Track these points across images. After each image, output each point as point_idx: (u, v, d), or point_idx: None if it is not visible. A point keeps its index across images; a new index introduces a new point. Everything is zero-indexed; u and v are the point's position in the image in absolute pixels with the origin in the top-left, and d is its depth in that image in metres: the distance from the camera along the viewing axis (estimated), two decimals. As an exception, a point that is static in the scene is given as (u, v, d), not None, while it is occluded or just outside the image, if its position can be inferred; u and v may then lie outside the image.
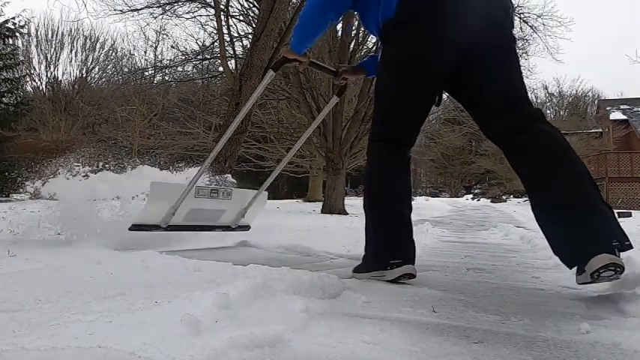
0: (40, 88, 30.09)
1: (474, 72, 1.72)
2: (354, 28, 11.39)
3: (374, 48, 11.49)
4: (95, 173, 3.23)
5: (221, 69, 10.99)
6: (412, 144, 1.94)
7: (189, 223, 2.74)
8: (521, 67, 1.79)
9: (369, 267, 1.85)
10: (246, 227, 3.18)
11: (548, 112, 34.80)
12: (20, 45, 22.81)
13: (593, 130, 24.90)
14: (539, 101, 33.55)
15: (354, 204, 12.41)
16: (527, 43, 12.43)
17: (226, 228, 3.03)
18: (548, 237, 1.61)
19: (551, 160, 1.59)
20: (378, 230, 1.86)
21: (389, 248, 1.81)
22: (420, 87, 1.79)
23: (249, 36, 10.57)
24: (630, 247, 1.49)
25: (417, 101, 1.83)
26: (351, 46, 11.26)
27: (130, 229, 2.47)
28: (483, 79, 1.72)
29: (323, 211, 10.54)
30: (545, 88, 34.27)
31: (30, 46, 28.92)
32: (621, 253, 1.49)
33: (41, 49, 29.97)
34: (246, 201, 3.04)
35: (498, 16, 1.72)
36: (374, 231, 1.88)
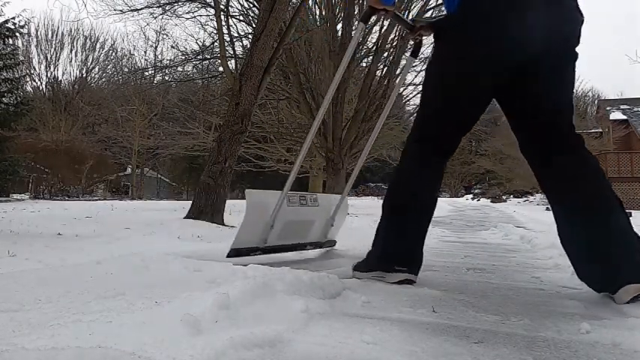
0: (40, 88, 30.11)
1: (528, 85, 1.65)
2: (353, 28, 11.38)
3: (374, 48, 11.50)
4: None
5: (221, 69, 10.98)
6: (452, 153, 1.86)
7: (284, 242, 2.37)
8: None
9: (371, 266, 1.82)
10: (333, 242, 2.81)
11: (548, 112, 34.73)
12: (20, 45, 22.84)
13: (593, 130, 24.89)
14: (539, 101, 33.46)
15: (354, 204, 12.42)
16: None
17: (316, 245, 2.64)
18: (575, 261, 1.61)
19: (585, 190, 1.57)
20: (390, 234, 1.82)
21: (397, 255, 1.78)
22: (472, 91, 1.72)
23: (249, 36, 10.57)
24: None
25: (466, 105, 1.75)
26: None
27: (228, 255, 2.12)
28: (536, 95, 1.65)
29: (323, 211, 10.53)
30: (546, 88, 34.14)
31: (30, 46, 28.94)
32: None
33: (41, 49, 29.99)
34: (331, 207, 2.66)
35: (565, 30, 1.62)
36: (386, 233, 1.83)
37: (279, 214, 2.20)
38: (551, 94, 1.65)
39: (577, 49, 1.66)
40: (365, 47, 12.13)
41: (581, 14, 1.65)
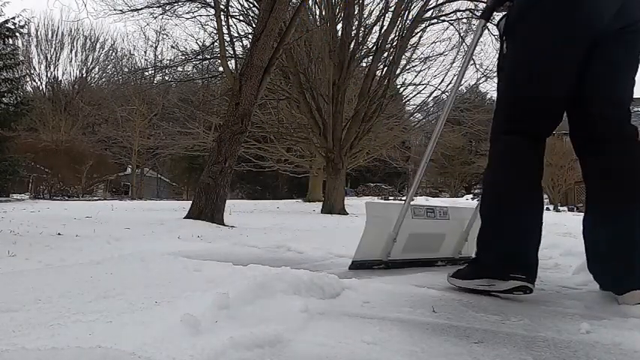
0: (40, 88, 30.13)
1: (601, 60, 1.53)
2: (353, 28, 11.39)
3: (374, 48, 11.50)
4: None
5: (221, 69, 10.98)
6: (549, 134, 1.67)
7: (410, 257, 2.22)
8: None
9: (478, 273, 1.61)
10: (469, 259, 2.31)
11: (548, 112, 34.76)
12: (20, 45, 22.84)
13: (593, 130, 24.87)
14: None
15: (354, 204, 12.41)
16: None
17: (450, 260, 2.40)
18: (590, 254, 1.56)
19: (627, 186, 1.49)
20: (504, 236, 1.60)
21: (511, 260, 1.56)
22: (568, 59, 1.56)
23: (249, 36, 10.57)
24: None
25: (563, 76, 1.58)
26: (351, 46, 11.26)
27: (350, 267, 2.10)
28: (594, 76, 1.55)
29: (323, 211, 10.54)
30: (546, 88, 34.17)
31: (30, 46, 28.96)
32: None
33: (41, 49, 30.00)
34: (465, 220, 2.42)
35: (632, 7, 1.51)
36: (498, 236, 1.62)
37: (404, 227, 2.09)
38: (619, 73, 1.55)
39: None
40: (365, 47, 12.13)
41: None
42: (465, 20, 11.85)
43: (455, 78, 2.12)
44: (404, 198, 2.62)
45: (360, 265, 2.10)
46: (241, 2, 11.37)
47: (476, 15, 11.90)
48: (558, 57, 1.56)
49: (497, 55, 1.83)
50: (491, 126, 1.73)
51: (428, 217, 2.27)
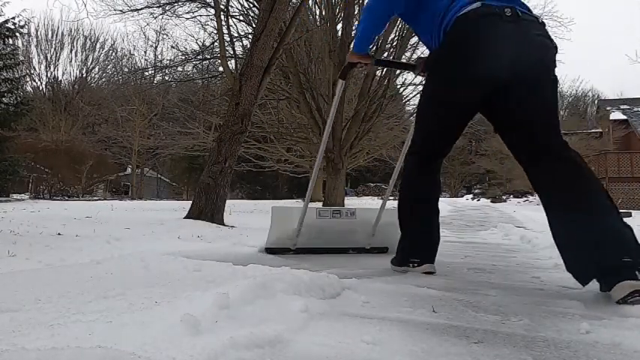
0: (40, 88, 30.13)
1: (506, 105, 1.83)
2: (353, 28, 11.38)
3: (374, 48, 11.49)
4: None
5: (221, 69, 10.98)
6: (438, 158, 2.16)
7: (318, 246, 2.83)
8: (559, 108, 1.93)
9: (400, 262, 2.16)
10: (384, 249, 2.95)
11: (548, 112, 34.75)
12: (20, 45, 22.84)
13: (593, 130, 24.91)
14: (539, 101, 33.50)
15: (354, 204, 12.41)
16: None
17: (360, 249, 2.94)
18: (566, 258, 1.66)
19: (574, 190, 1.67)
20: (406, 231, 2.17)
21: (412, 249, 2.13)
22: (446, 115, 1.99)
23: (249, 36, 10.57)
24: None
25: (443, 126, 2.05)
26: (351, 46, 11.27)
27: (265, 252, 2.74)
28: (514, 112, 1.83)
29: (323, 211, 10.52)
30: (546, 88, 34.17)
31: (30, 46, 28.96)
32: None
33: (41, 49, 30.00)
34: (371, 220, 2.92)
35: (536, 56, 1.79)
36: (403, 231, 2.19)
37: (312, 225, 2.75)
38: (529, 110, 1.81)
39: (555, 71, 1.85)
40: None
41: (552, 41, 1.84)
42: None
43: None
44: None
45: (271, 251, 2.73)
46: (241, 2, 11.37)
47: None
48: (449, 109, 1.96)
49: None
50: (409, 145, 2.22)
51: (333, 217, 2.91)
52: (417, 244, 2.14)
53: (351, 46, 2.28)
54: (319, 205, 10.98)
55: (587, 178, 1.69)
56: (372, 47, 11.65)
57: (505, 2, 1.79)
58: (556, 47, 1.85)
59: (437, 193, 2.21)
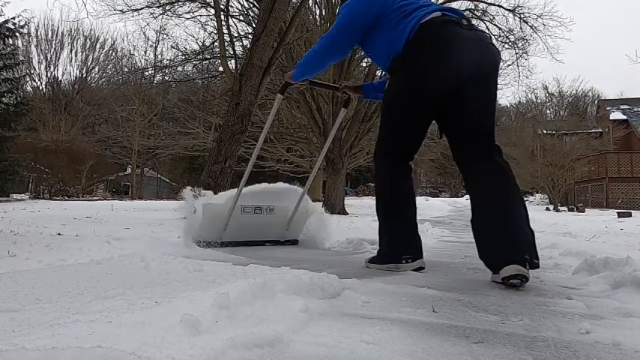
0: (40, 88, 30.13)
1: (459, 105, 2.00)
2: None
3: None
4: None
5: (221, 69, 10.98)
6: (412, 158, 2.24)
7: (241, 239, 3.04)
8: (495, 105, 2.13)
9: (384, 259, 2.18)
10: (295, 241, 3.31)
11: (548, 112, 34.82)
12: (20, 45, 22.80)
13: (593, 130, 24.88)
14: (539, 101, 33.58)
15: (354, 204, 12.42)
16: (527, 43, 12.43)
17: (275, 242, 3.23)
18: (479, 244, 1.94)
19: (497, 189, 1.92)
20: (389, 229, 2.20)
21: (400, 245, 2.16)
22: (417, 114, 2.10)
23: (249, 36, 10.57)
24: (537, 266, 1.81)
25: (415, 125, 2.14)
26: (291, 73, 11.25)
27: (186, 246, 2.84)
28: (464, 112, 2.01)
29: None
30: (545, 88, 34.28)
31: (30, 46, 28.97)
32: (613, 255, 1.86)
33: (41, 49, 30.02)
34: (287, 216, 3.23)
35: (486, 62, 2.00)
36: (386, 229, 2.22)
37: (235, 220, 2.96)
38: (480, 111, 2.00)
39: (497, 78, 2.09)
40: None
41: (498, 52, 2.08)
42: (464, 20, 11.82)
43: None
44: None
45: (198, 244, 2.87)
46: (241, 2, 11.37)
47: (476, 15, 11.90)
48: (410, 112, 2.09)
49: None
50: (375, 145, 2.28)
51: (255, 213, 3.11)
52: (404, 240, 2.17)
53: (291, 73, 2.49)
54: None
55: (509, 185, 1.92)
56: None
57: (460, 16, 2.03)
58: (500, 54, 2.11)
59: (412, 189, 2.28)
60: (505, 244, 1.81)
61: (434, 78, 1.97)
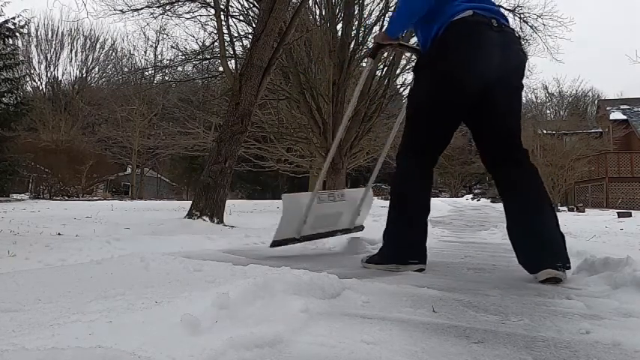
0: (40, 88, 30.14)
1: (486, 108, 2.01)
2: (353, 28, 11.39)
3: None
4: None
5: (221, 69, 10.98)
6: (435, 162, 2.21)
7: (317, 232, 2.85)
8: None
9: (385, 259, 2.14)
10: (361, 227, 3.23)
11: (548, 112, 34.81)
12: (20, 45, 22.79)
13: (593, 130, 24.88)
14: (539, 101, 33.57)
15: (354, 204, 12.38)
16: (527, 43, 12.41)
17: (346, 231, 3.11)
18: (516, 249, 2.02)
19: (531, 195, 1.99)
20: (400, 232, 2.16)
21: (409, 248, 2.12)
22: (441, 115, 2.07)
23: (249, 36, 10.56)
24: (569, 267, 1.93)
25: (438, 127, 2.12)
26: (351, 46, 11.26)
27: (270, 246, 2.68)
28: (491, 116, 2.03)
29: (323, 211, 10.51)
30: (545, 88, 34.30)
31: (30, 46, 28.98)
32: (613, 255, 1.97)
33: (41, 49, 30.02)
34: (357, 199, 3.11)
35: (513, 65, 2.02)
36: (396, 231, 2.17)
37: (311, 211, 2.69)
38: (505, 116, 2.03)
39: (523, 81, 2.10)
40: (365, 47, 12.12)
41: (525, 55, 2.09)
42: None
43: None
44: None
45: (278, 244, 2.67)
46: (241, 2, 11.35)
47: (476, 15, 11.90)
48: (437, 113, 2.06)
49: None
50: (399, 145, 2.23)
51: (329, 200, 2.88)
52: (413, 244, 2.14)
53: (384, 29, 2.38)
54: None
55: (539, 190, 1.99)
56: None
57: (491, 13, 1.98)
58: (527, 59, 2.12)
59: (429, 196, 2.26)
60: (540, 249, 1.91)
61: (458, 80, 1.96)
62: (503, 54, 1.95)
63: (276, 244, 2.67)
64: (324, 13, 11.88)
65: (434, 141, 2.16)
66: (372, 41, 2.38)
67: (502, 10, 2.07)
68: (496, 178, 2.09)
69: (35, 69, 29.60)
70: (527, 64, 2.10)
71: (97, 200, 17.00)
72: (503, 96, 1.99)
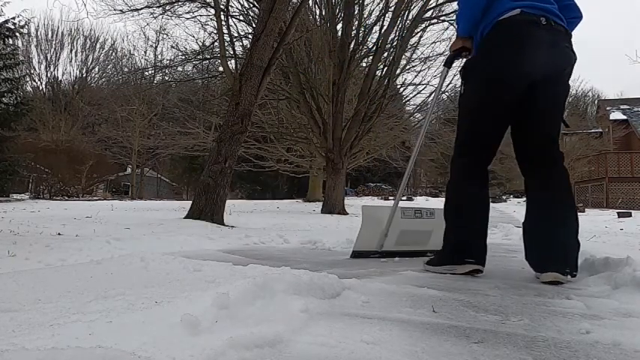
0: (40, 88, 30.13)
1: (529, 106, 2.03)
2: (353, 28, 11.39)
3: (374, 48, 11.50)
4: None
5: (221, 69, 10.98)
6: (489, 161, 2.21)
7: (401, 248, 2.71)
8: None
9: (441, 261, 2.15)
10: None
11: (548, 112, 34.77)
12: (20, 45, 22.77)
13: (593, 130, 24.89)
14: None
15: (354, 204, 12.41)
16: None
17: (436, 252, 2.84)
18: (526, 246, 2.05)
19: (560, 195, 2.00)
20: (457, 230, 2.14)
21: (465, 247, 2.09)
22: (495, 112, 2.08)
23: (249, 36, 10.56)
24: (575, 276, 1.91)
25: (489, 126, 2.12)
26: (351, 46, 11.26)
27: (351, 256, 2.65)
28: (535, 115, 2.05)
29: (323, 211, 10.53)
30: (545, 88, 34.20)
31: (30, 46, 28.96)
32: (613, 255, 1.98)
33: (41, 49, 30.01)
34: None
35: (561, 65, 2.02)
36: (453, 229, 2.15)
37: (394, 225, 2.62)
38: (546, 115, 2.05)
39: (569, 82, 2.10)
40: (365, 47, 12.12)
41: (575, 54, 2.05)
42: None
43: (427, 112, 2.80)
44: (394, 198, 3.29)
45: (359, 255, 2.62)
46: (241, 2, 11.36)
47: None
48: (487, 111, 2.08)
49: None
50: (454, 147, 2.25)
51: (415, 217, 2.78)
52: (470, 244, 2.10)
53: (455, 33, 2.36)
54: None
55: (567, 196, 2.02)
56: (373, 47, 11.66)
57: (541, 12, 1.97)
58: (576, 58, 2.07)
59: (488, 197, 2.24)
60: (552, 252, 1.93)
61: (502, 81, 1.99)
62: (550, 53, 1.95)
63: (356, 254, 2.63)
64: (324, 13, 11.88)
65: (486, 140, 2.15)
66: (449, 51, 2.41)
67: (555, 7, 2.03)
68: (526, 178, 2.10)
69: (35, 69, 29.62)
70: (573, 65, 2.06)
71: (97, 200, 17.00)
72: (547, 96, 2.00)
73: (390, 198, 23.55)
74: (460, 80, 2.23)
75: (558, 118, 2.08)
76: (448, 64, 2.45)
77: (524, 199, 2.15)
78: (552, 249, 1.93)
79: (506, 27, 1.97)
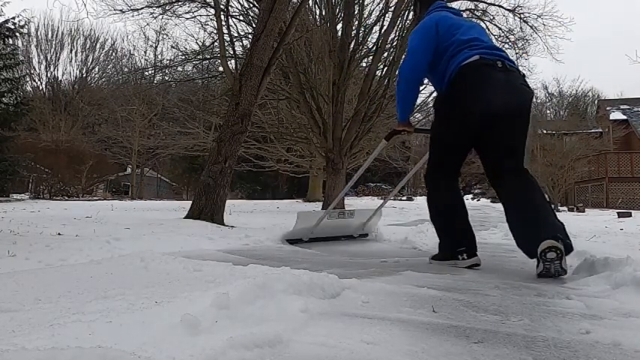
0: (40, 88, 30.13)
1: (493, 133, 2.32)
2: (353, 28, 11.39)
3: (374, 48, 11.49)
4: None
5: (221, 69, 10.97)
6: (457, 174, 2.60)
7: (323, 236, 3.56)
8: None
9: (446, 257, 2.47)
10: (365, 235, 3.86)
11: (548, 112, 34.81)
12: (20, 45, 22.76)
13: (593, 130, 24.86)
14: (539, 101, 33.56)
15: (354, 204, 12.40)
16: (527, 43, 12.41)
17: (349, 237, 3.78)
18: (515, 235, 2.25)
19: (528, 195, 2.23)
20: (448, 231, 2.51)
21: (455, 242, 2.45)
22: (458, 141, 2.45)
23: (249, 36, 10.56)
24: (570, 246, 2.07)
25: (456, 151, 2.51)
26: (351, 46, 11.26)
27: (282, 240, 3.40)
28: (496, 142, 2.34)
29: (323, 211, 10.51)
30: (545, 88, 34.31)
31: (30, 46, 28.95)
32: (613, 255, 2.01)
33: (41, 49, 30.00)
34: (365, 218, 3.78)
35: (518, 100, 2.32)
36: (445, 232, 2.53)
37: (322, 224, 3.48)
38: (505, 139, 2.32)
39: (530, 112, 2.43)
40: (365, 47, 12.12)
41: (531, 89, 2.42)
42: (465, 20, 11.79)
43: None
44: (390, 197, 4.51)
45: (290, 242, 3.42)
46: (241, 2, 11.35)
47: (476, 15, 11.90)
48: (453, 140, 2.46)
49: None
50: (426, 168, 2.61)
51: (339, 218, 3.69)
52: (461, 238, 2.46)
53: (396, 115, 2.73)
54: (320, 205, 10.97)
55: (538, 193, 2.24)
56: (373, 47, 11.65)
57: (496, 56, 2.33)
58: (533, 93, 2.46)
59: (463, 198, 2.61)
60: (538, 228, 2.10)
61: (469, 110, 2.30)
62: (508, 90, 2.27)
63: (288, 241, 3.39)
64: (324, 13, 11.88)
65: (454, 160, 2.54)
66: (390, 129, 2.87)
67: (505, 53, 2.48)
68: (497, 189, 2.38)
69: (35, 69, 29.61)
70: (531, 100, 2.41)
71: (97, 200, 17.00)
72: (508, 126, 2.29)
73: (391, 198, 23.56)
74: (433, 113, 2.62)
75: (519, 144, 2.33)
76: (388, 138, 2.96)
77: None
78: (536, 224, 2.12)
79: (470, 69, 2.29)
